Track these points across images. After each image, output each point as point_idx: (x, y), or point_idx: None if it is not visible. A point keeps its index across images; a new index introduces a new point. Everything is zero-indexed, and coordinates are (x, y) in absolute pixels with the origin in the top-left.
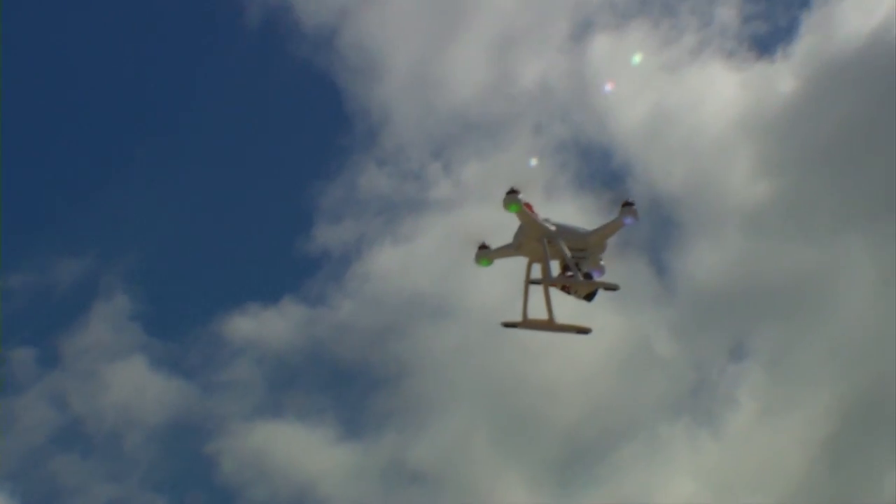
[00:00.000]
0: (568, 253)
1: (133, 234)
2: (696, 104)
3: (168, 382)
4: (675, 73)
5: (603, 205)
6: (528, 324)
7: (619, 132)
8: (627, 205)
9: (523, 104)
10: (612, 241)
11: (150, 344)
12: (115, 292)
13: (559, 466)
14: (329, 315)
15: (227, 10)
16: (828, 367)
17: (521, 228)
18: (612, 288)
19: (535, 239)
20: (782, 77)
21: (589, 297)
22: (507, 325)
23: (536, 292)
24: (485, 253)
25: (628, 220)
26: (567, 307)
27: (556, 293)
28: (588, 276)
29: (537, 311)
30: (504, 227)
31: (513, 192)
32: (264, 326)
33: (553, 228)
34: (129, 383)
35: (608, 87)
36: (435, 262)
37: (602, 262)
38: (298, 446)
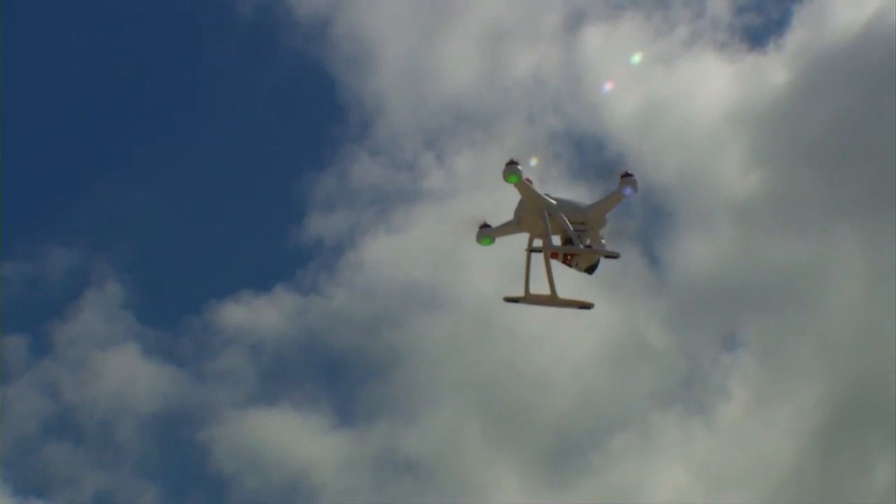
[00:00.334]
0: (569, 224)
1: (126, 223)
2: (689, 96)
3: (160, 371)
4: (667, 65)
5: (601, 181)
6: (530, 299)
7: (611, 123)
8: (626, 176)
9: (516, 95)
10: (605, 231)
11: (142, 332)
12: (108, 281)
13: (551, 456)
14: (322, 304)
15: (219, 0)
16: (819, 358)
17: (521, 203)
18: (613, 256)
19: (535, 212)
20: (774, 69)
21: (590, 269)
22: (509, 299)
23: (538, 272)
24: (486, 232)
25: (628, 191)
26: (568, 286)
27: (558, 269)
28: (588, 247)
29: (539, 288)
30: (497, 217)
31: (512, 164)
32: (257, 315)
33: (553, 202)
34: (122, 372)
35: (608, 86)
36: (428, 252)
37: (603, 240)
38: (291, 435)
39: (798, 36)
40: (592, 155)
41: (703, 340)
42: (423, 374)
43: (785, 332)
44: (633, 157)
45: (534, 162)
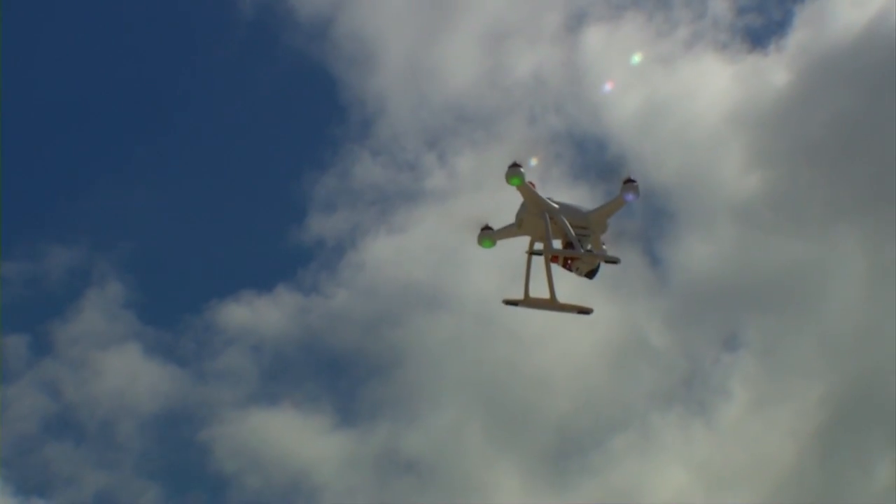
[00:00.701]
0: (570, 228)
1: (127, 223)
2: (690, 96)
3: (162, 370)
4: (668, 66)
5: (603, 185)
6: (529, 302)
7: (612, 123)
8: (629, 182)
9: (517, 95)
10: (608, 232)
11: (143, 332)
12: (109, 280)
13: (552, 456)
14: (323, 304)
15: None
16: (819, 358)
17: (522, 205)
18: (613, 261)
19: (536, 215)
20: (775, 70)
21: (590, 274)
22: (508, 302)
23: (538, 276)
24: (487, 234)
25: (629, 197)
26: (568, 289)
27: (557, 273)
28: (589, 252)
29: (539, 292)
30: (499, 218)
31: (515, 166)
32: (258, 315)
33: (555, 206)
34: (123, 371)
35: (608, 86)
36: (429, 252)
37: (604, 245)
38: (292, 434)
39: (799, 37)
40: (594, 155)
41: (704, 340)
42: (424, 373)
43: (785, 332)
44: (633, 158)
45: (534, 162)
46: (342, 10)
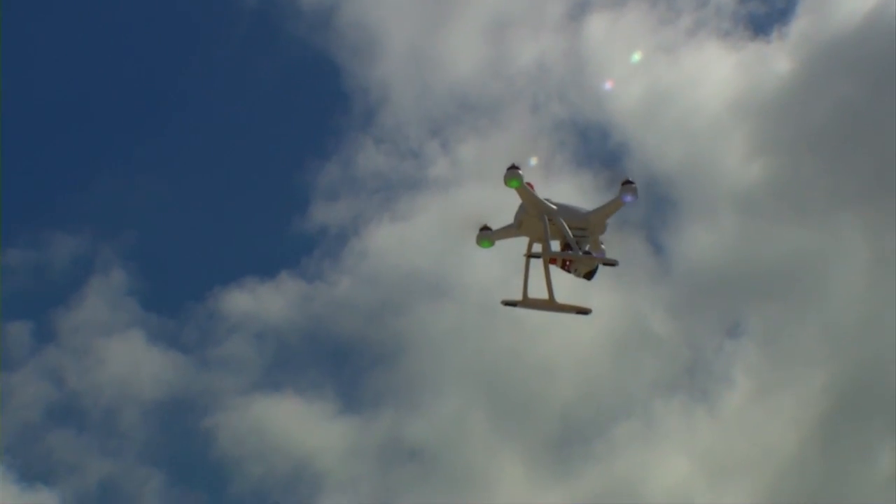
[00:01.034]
0: (568, 230)
1: (130, 210)
2: (692, 85)
3: (165, 357)
4: (671, 54)
5: (602, 184)
6: (528, 303)
7: (615, 112)
8: (627, 183)
9: (521, 83)
10: (610, 222)
11: (146, 319)
12: (112, 267)
13: (555, 444)
14: (327, 291)
15: None
16: (822, 346)
17: (521, 206)
18: (611, 263)
19: (535, 216)
20: (778, 58)
21: (589, 275)
22: (507, 303)
23: (537, 274)
24: (486, 234)
25: (628, 199)
26: (567, 289)
27: (556, 273)
28: (588, 254)
29: (538, 292)
30: (502, 207)
31: (514, 168)
32: (261, 302)
33: (554, 207)
34: (126, 358)
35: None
36: (432, 240)
37: (602, 246)
38: (295, 421)
39: (802, 25)
40: (597, 144)
41: (707, 329)
42: (427, 361)
43: (788, 321)
44: (636, 146)
45: (534, 162)
46: None
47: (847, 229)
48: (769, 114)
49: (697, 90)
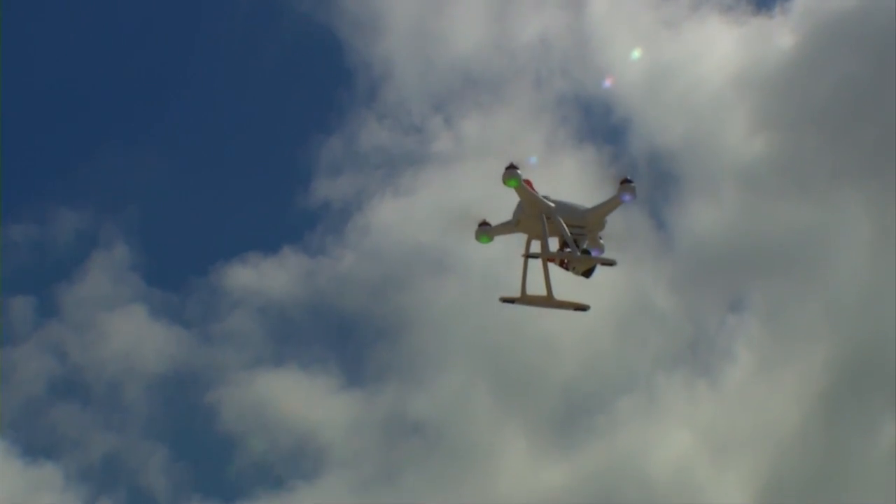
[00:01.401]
0: (566, 229)
1: (133, 186)
2: (695, 59)
3: (168, 332)
4: (673, 29)
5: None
6: (526, 299)
7: (618, 87)
8: (626, 182)
9: (524, 59)
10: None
11: (149, 294)
12: (115, 243)
13: (558, 419)
14: (329, 266)
15: None
16: (824, 321)
17: (520, 205)
18: (609, 263)
19: (533, 216)
20: (781, 33)
21: (587, 273)
22: (506, 300)
23: (536, 269)
24: (485, 230)
25: (626, 198)
26: (566, 285)
27: (555, 270)
28: (586, 253)
29: (536, 288)
30: (501, 196)
31: (511, 168)
32: (264, 276)
33: (552, 205)
34: (129, 333)
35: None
36: (435, 215)
37: (601, 241)
38: (299, 395)
39: (804, 0)
40: (600, 120)
41: (709, 304)
42: (430, 336)
43: (790, 296)
44: (639, 121)
45: (534, 159)
46: None
47: (849, 205)
48: (772, 89)
49: (700, 65)
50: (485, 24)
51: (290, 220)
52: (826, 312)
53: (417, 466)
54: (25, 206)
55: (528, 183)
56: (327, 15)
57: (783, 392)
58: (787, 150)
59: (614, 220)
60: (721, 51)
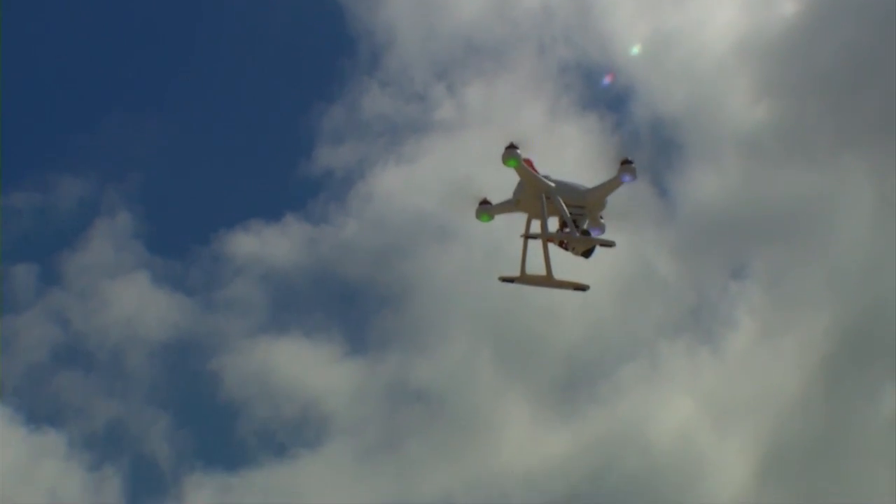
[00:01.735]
0: (566, 210)
1: (136, 153)
2: (697, 26)
3: (170, 300)
4: None
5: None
6: (525, 279)
7: (621, 54)
8: (626, 163)
9: (526, 26)
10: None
11: (152, 261)
12: (118, 210)
13: (561, 386)
14: (332, 234)
15: None
16: (826, 289)
17: (520, 184)
18: (608, 244)
19: (533, 195)
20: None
21: (587, 253)
22: (505, 279)
23: (535, 249)
24: (485, 209)
25: (626, 178)
26: (566, 264)
27: (554, 250)
28: (586, 233)
29: (536, 267)
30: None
31: (511, 147)
32: (267, 244)
33: (552, 185)
34: (132, 301)
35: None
36: (438, 183)
37: (602, 220)
38: (302, 363)
39: None
40: (604, 90)
41: (712, 271)
42: (433, 304)
43: (792, 263)
44: (641, 89)
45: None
46: None
47: (852, 172)
48: (774, 56)
49: (702, 32)
50: None
51: (293, 188)
52: (828, 279)
53: (420, 434)
54: (28, 173)
55: (529, 162)
56: None
57: (785, 359)
58: (789, 117)
59: (617, 199)
60: (723, 18)
